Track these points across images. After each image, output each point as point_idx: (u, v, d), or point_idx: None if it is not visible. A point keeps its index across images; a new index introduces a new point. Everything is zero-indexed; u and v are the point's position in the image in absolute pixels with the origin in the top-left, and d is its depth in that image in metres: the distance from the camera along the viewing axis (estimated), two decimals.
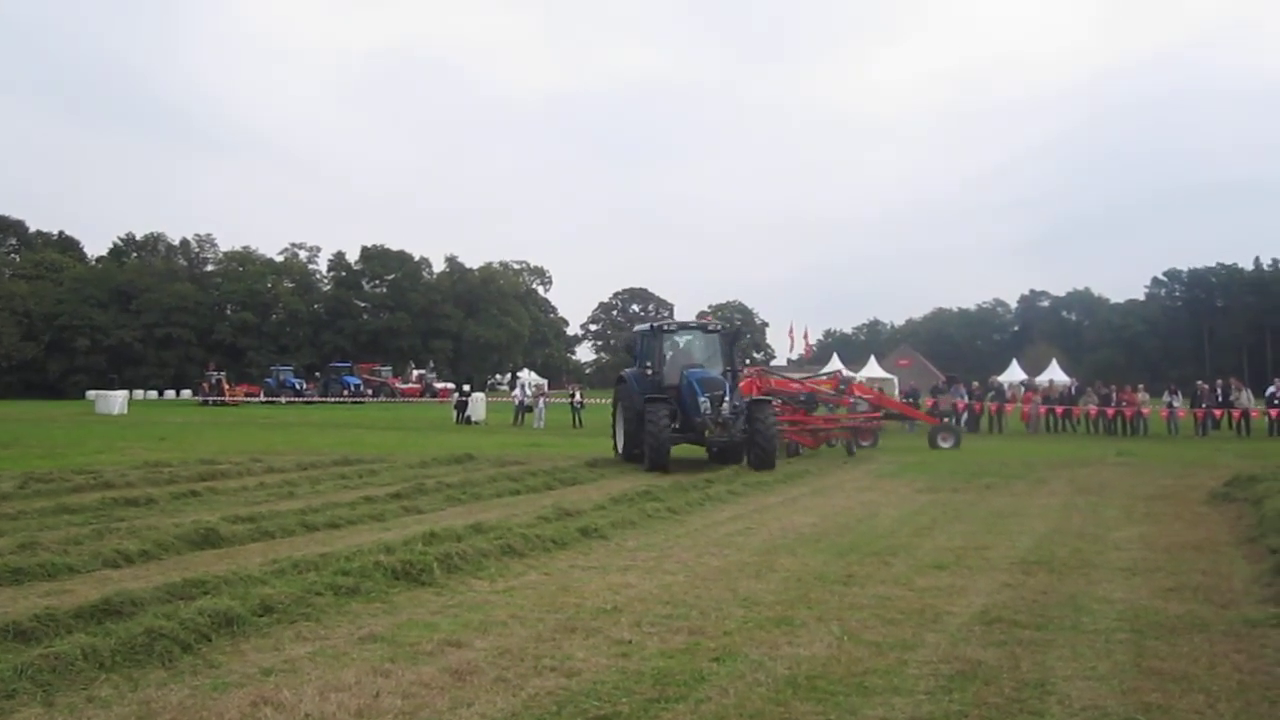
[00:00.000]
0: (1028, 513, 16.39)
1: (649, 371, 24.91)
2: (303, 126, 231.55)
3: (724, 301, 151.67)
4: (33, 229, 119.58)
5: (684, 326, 26.73)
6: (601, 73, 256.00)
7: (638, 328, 29.56)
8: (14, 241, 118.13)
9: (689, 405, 23.31)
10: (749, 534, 14.07)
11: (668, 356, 25.13)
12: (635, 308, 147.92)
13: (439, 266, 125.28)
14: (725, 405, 22.71)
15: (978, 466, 24.65)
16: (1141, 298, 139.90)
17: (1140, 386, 43.83)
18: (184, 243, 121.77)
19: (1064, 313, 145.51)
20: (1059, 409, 43.14)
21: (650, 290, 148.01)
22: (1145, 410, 41.26)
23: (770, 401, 24.66)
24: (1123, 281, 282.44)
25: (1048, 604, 9.73)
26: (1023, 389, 48.14)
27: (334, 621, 8.84)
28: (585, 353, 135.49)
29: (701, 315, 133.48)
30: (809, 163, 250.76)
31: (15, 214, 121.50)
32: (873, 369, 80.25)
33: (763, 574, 11.14)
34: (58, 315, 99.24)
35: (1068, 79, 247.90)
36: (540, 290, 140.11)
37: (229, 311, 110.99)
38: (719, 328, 25.95)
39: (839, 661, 7.67)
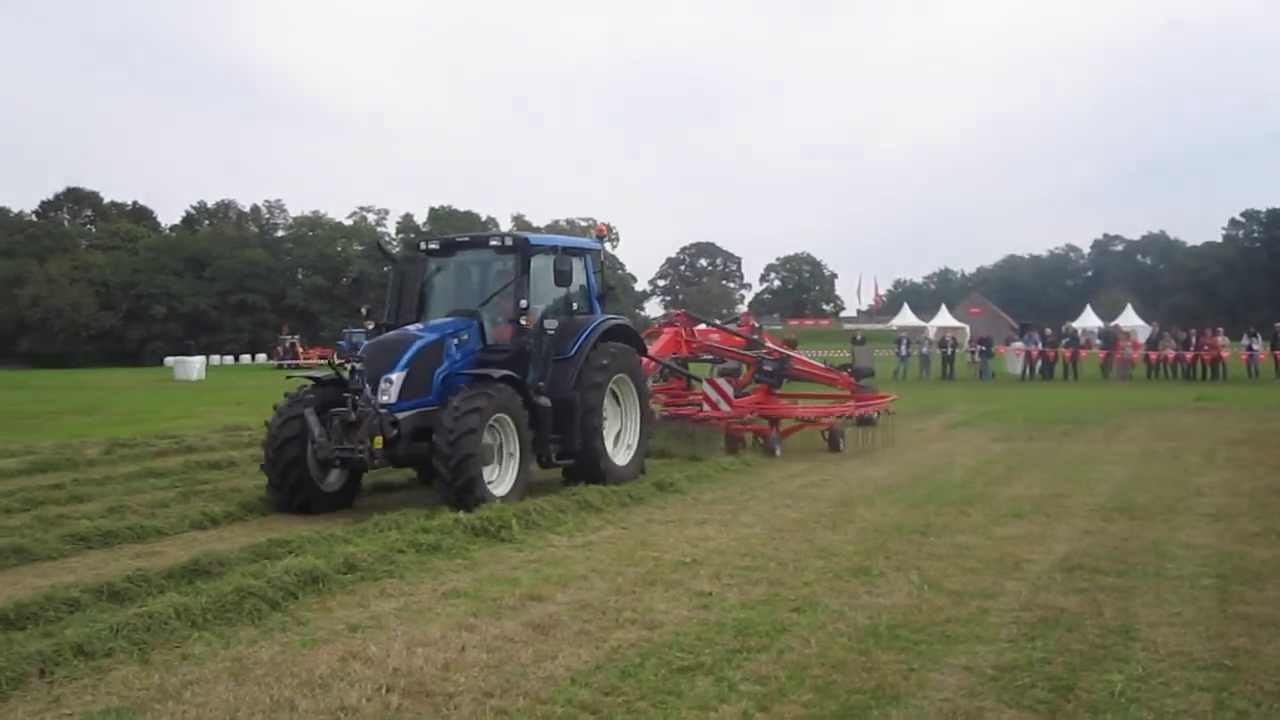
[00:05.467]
0: (1106, 460, 16.24)
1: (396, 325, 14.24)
2: (368, 90, 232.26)
3: (792, 253, 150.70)
4: (107, 200, 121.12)
5: (453, 245, 14.84)
6: (667, 26, 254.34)
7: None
8: (90, 213, 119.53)
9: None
10: (824, 486, 14.07)
11: (428, 300, 14.85)
12: (703, 262, 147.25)
13: (506, 225, 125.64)
14: (388, 386, 12.44)
15: (1053, 414, 24.39)
16: (1219, 239, 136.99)
17: (1219, 330, 42.97)
18: (254, 209, 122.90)
19: (1139, 257, 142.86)
20: (1135, 355, 42.46)
21: (718, 244, 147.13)
22: (1225, 354, 40.45)
23: (483, 382, 12.57)
24: (1199, 223, 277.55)
25: (1130, 551, 9.66)
26: (1111, 336, 47.10)
27: (417, 578, 8.99)
28: (654, 308, 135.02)
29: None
30: (877, 111, 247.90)
31: (90, 185, 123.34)
32: (944, 318, 79.65)
33: (839, 525, 11.15)
34: (134, 284, 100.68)
35: (1144, 22, 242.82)
36: (608, 246, 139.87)
37: (300, 276, 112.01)
38: (512, 243, 14.15)
39: (920, 611, 7.68)
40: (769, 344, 21.19)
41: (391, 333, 13.54)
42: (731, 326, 22.45)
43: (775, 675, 6.30)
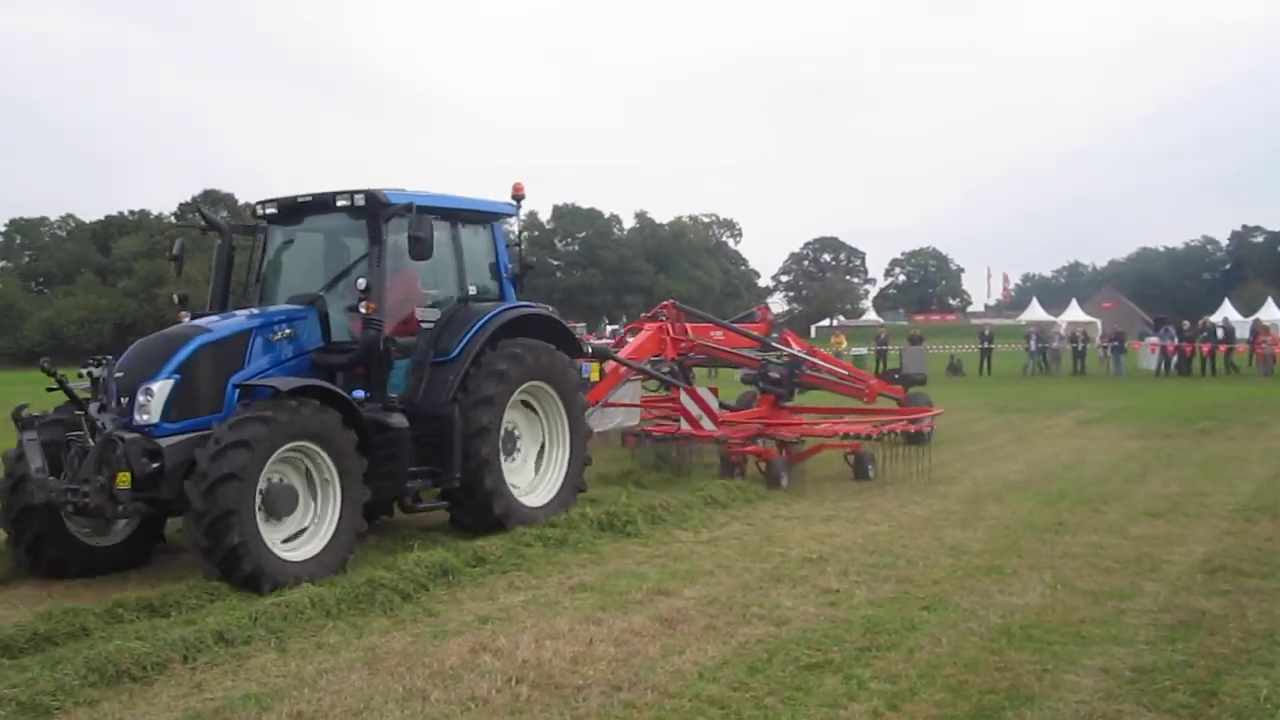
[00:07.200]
0: (1248, 458, 15.72)
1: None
2: (492, 88, 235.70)
3: (918, 248, 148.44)
4: (241, 201, 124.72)
5: (296, 208, 11.16)
6: (785, 23, 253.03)
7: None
8: (226, 214, 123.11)
9: None
10: (952, 482, 13.84)
11: (268, 283, 11.71)
12: (826, 257, 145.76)
13: (629, 223, 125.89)
14: (146, 401, 8.75)
15: (1191, 410, 23.62)
16: None
17: None
18: None
19: None
20: (1277, 349, 40.99)
21: (841, 239, 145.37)
22: None
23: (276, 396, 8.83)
24: None
25: (1274, 552, 9.35)
26: (1232, 332, 45.61)
27: (544, 571, 9.08)
28: (777, 304, 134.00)
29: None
30: (1004, 103, 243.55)
31: (226, 188, 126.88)
32: (1075, 312, 77.75)
33: (969, 522, 10.98)
34: None
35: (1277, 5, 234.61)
36: (731, 243, 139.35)
37: None
38: (363, 202, 10.31)
39: (1054, 610, 7.52)
40: (793, 346, 17.52)
41: (168, 329, 9.91)
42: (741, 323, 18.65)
43: (905, 674, 6.23)
